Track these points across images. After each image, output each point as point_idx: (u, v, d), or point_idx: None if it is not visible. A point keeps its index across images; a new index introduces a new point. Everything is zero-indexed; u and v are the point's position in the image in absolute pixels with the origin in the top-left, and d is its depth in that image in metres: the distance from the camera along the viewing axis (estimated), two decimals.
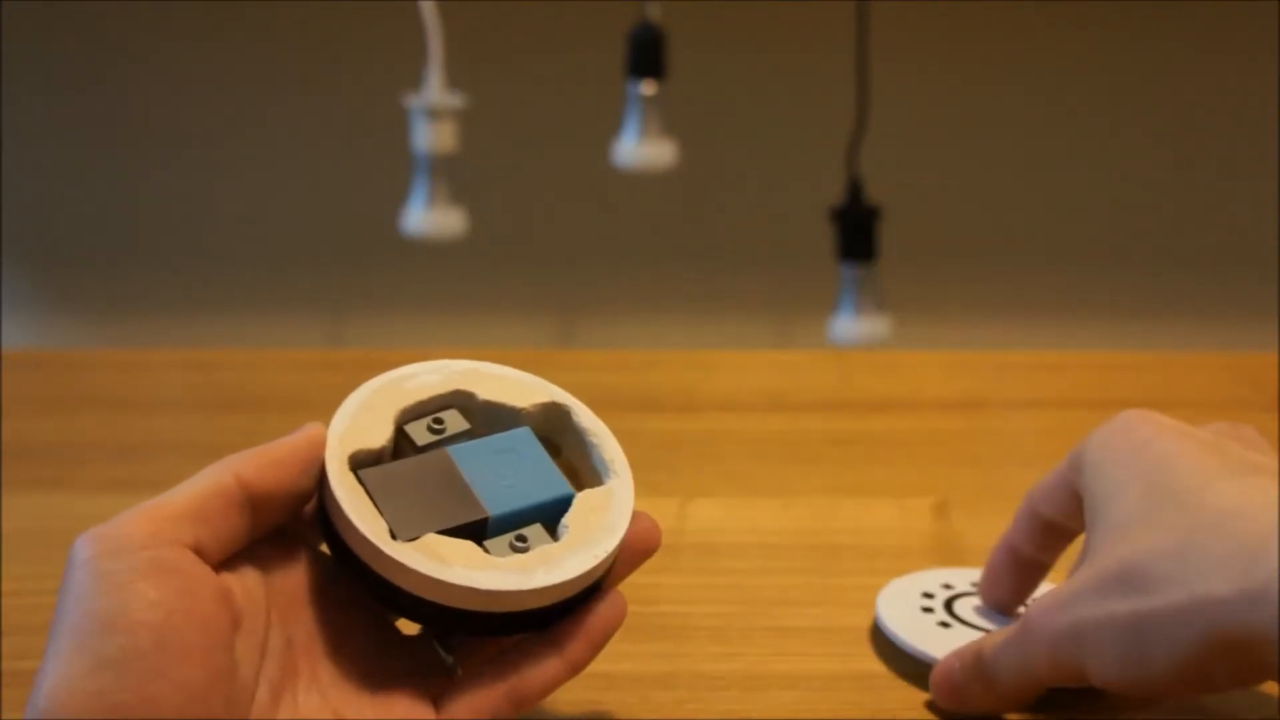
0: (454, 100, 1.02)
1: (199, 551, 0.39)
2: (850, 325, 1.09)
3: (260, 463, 0.41)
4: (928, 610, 0.52)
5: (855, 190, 1.11)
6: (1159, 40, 1.23)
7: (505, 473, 0.44)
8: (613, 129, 1.09)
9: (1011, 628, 0.45)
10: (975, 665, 0.46)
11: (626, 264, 1.27)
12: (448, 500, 0.42)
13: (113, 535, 0.38)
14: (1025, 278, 1.27)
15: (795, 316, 1.28)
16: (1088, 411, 0.59)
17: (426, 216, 1.04)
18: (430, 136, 1.02)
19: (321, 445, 0.42)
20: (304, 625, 0.42)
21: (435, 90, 1.02)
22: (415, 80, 1.03)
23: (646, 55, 1.06)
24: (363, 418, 0.43)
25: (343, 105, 1.23)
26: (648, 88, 1.06)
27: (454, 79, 1.03)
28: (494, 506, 0.43)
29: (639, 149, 1.07)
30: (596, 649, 0.43)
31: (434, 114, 1.02)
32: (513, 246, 1.26)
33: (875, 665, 0.52)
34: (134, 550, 0.38)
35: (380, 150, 1.17)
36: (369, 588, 0.41)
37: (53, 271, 1.29)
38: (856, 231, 1.10)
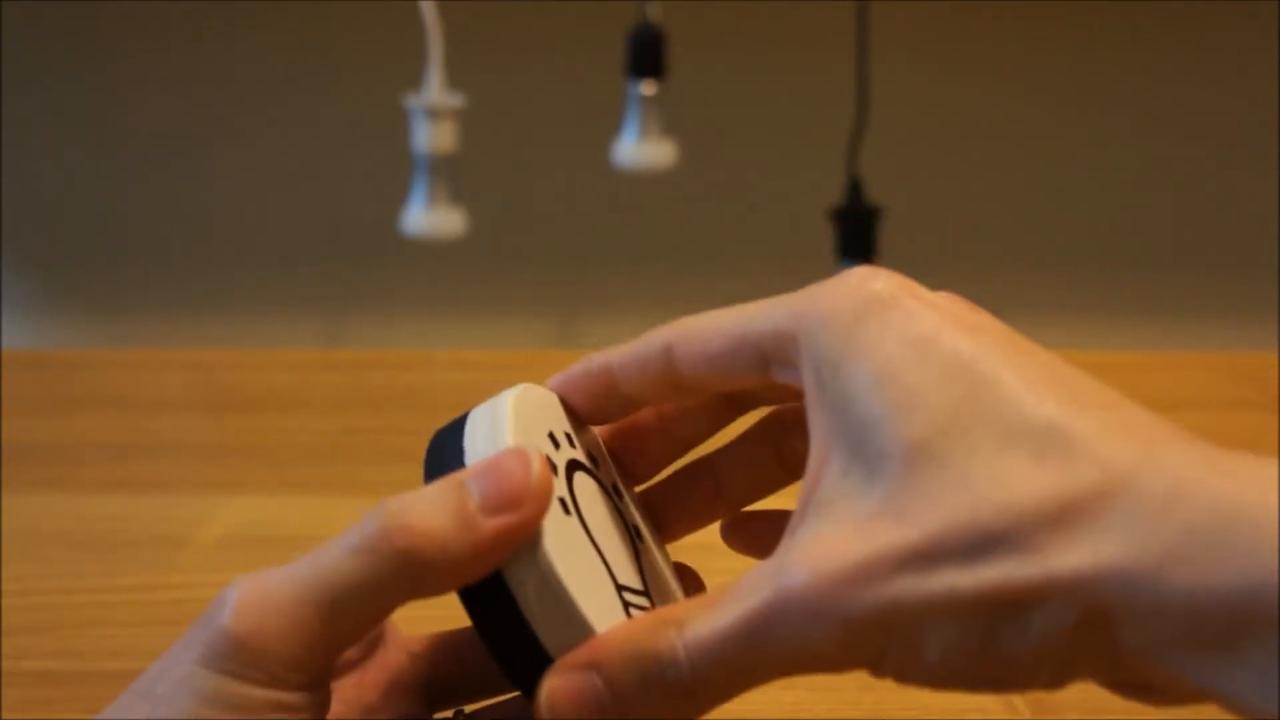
0: (454, 100, 1.02)
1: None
2: None
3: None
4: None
5: (855, 190, 1.11)
6: (1159, 40, 1.23)
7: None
8: (613, 129, 1.09)
9: (741, 609, 0.32)
10: (655, 672, 0.32)
11: (626, 264, 1.27)
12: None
13: (263, 649, 0.33)
14: (1025, 278, 1.27)
15: None
16: None
17: (426, 216, 1.04)
18: (430, 136, 1.02)
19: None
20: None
21: (435, 90, 1.02)
22: (415, 80, 1.03)
23: (646, 55, 1.06)
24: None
25: (343, 105, 1.23)
26: (648, 88, 1.06)
27: (454, 79, 1.03)
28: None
29: (639, 149, 1.07)
30: None
31: (434, 114, 1.02)
32: (513, 246, 1.26)
33: None
34: (287, 674, 0.33)
35: (380, 150, 1.17)
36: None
37: (53, 271, 1.29)
38: (856, 231, 1.10)
